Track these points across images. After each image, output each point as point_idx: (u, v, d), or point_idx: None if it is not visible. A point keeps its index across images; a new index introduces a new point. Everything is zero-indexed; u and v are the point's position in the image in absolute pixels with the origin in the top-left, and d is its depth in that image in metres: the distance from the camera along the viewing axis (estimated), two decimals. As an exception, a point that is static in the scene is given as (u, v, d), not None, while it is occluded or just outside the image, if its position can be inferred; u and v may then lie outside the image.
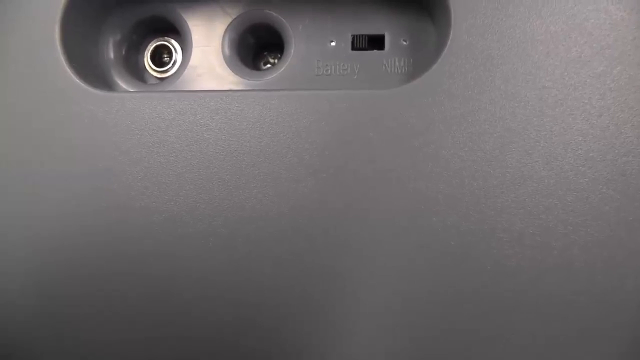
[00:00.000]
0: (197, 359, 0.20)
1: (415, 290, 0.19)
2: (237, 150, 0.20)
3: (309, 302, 0.19)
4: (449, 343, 0.19)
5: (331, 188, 0.19)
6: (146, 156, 0.20)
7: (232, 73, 0.23)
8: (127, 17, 0.24)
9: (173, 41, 0.24)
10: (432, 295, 0.19)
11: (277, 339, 0.19)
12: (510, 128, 0.18)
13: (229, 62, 0.23)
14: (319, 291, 0.19)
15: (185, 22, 0.23)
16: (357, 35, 0.22)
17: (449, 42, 0.19)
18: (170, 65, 0.24)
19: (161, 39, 0.24)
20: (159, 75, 0.24)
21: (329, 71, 0.22)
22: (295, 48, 0.22)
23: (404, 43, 0.22)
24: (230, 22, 0.23)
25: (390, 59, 0.22)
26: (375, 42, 0.22)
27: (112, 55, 0.24)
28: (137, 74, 0.24)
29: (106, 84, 0.23)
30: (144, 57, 0.24)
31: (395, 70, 0.22)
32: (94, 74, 0.22)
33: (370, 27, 0.22)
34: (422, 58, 0.22)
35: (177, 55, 0.24)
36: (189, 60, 0.23)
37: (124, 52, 0.24)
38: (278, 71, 0.22)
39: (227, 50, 0.23)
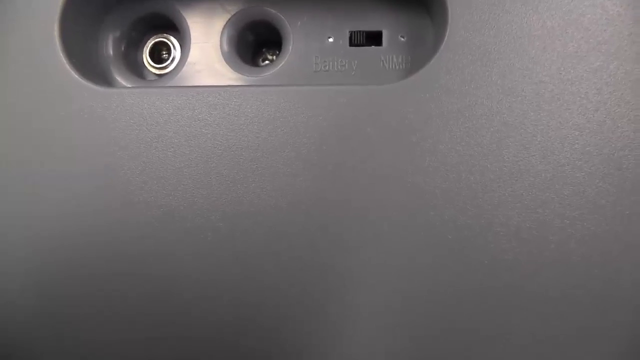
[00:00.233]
0: (197, 358, 0.20)
1: (413, 286, 0.19)
2: (236, 145, 0.20)
3: (306, 298, 0.19)
4: (445, 338, 0.19)
5: (329, 183, 0.19)
6: (145, 151, 0.20)
7: (231, 69, 0.23)
8: (127, 14, 0.24)
9: (172, 38, 0.24)
10: (429, 290, 0.19)
11: (276, 337, 0.19)
12: (507, 123, 0.19)
13: (227, 59, 0.23)
14: (316, 286, 0.19)
15: (184, 18, 0.23)
16: (355, 32, 0.22)
17: (446, 38, 0.19)
18: (169, 61, 0.24)
19: (160, 35, 0.24)
20: (157, 72, 0.24)
21: (327, 67, 0.22)
22: (293, 44, 0.22)
23: (402, 39, 0.22)
24: (229, 19, 0.23)
25: (388, 55, 0.22)
26: (373, 39, 0.22)
27: (111, 51, 0.24)
28: (136, 70, 0.24)
29: (105, 80, 0.23)
30: (142, 54, 0.24)
31: (393, 66, 0.22)
32: (93, 70, 0.22)
33: (368, 24, 0.22)
34: (420, 54, 0.22)
35: (176, 52, 0.24)
36: (187, 57, 0.23)
37: (123, 49, 0.24)
38: (276, 67, 0.22)
39: (225, 47, 0.23)
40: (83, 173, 0.20)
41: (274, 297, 0.19)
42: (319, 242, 0.19)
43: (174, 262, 0.19)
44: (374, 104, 0.19)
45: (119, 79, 0.24)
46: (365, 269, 0.19)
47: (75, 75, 0.21)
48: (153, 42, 0.24)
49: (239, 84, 0.23)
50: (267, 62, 0.25)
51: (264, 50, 0.25)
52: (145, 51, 0.24)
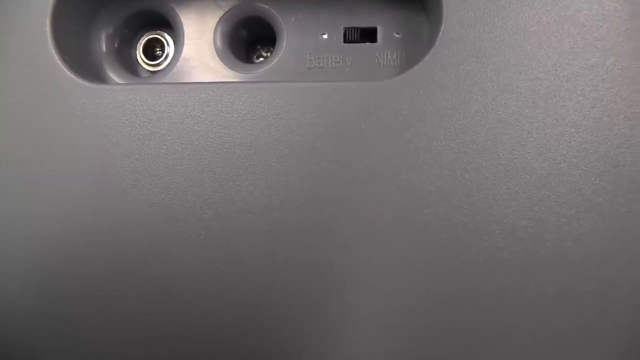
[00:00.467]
0: (197, 358, 0.20)
1: (407, 284, 0.19)
2: (228, 142, 0.19)
3: (301, 296, 0.19)
4: (442, 337, 0.18)
5: (323, 180, 0.19)
6: (137, 148, 0.20)
7: (225, 66, 0.23)
8: (119, 10, 0.24)
9: (165, 34, 0.24)
10: (423, 288, 0.18)
11: (275, 337, 0.19)
12: (502, 119, 0.18)
13: (221, 55, 0.23)
14: (310, 284, 0.19)
15: (178, 15, 0.23)
16: (349, 28, 0.22)
17: (440, 34, 0.19)
18: (162, 58, 0.24)
19: (153, 32, 0.24)
20: (151, 69, 0.24)
21: (322, 64, 0.22)
22: (287, 41, 0.22)
23: (397, 36, 0.22)
24: (222, 15, 0.23)
25: (382, 51, 0.22)
26: (368, 35, 0.22)
27: (104, 48, 0.24)
28: (130, 67, 0.24)
29: (98, 77, 0.23)
30: (136, 51, 0.24)
31: (388, 62, 0.22)
32: (86, 67, 0.22)
33: (363, 20, 0.22)
34: (415, 51, 0.22)
35: (170, 49, 0.24)
36: (181, 54, 0.23)
37: (116, 46, 0.24)
38: (270, 64, 0.22)
39: (219, 44, 0.23)
40: (76, 170, 0.20)
41: (270, 296, 0.19)
42: (312, 240, 0.19)
43: (168, 260, 0.19)
44: (369, 101, 0.19)
45: (112, 76, 0.23)
46: (359, 266, 0.19)
47: (67, 72, 0.21)
48: (146, 38, 0.24)
49: (233, 81, 0.22)
50: (261, 58, 0.25)
51: (258, 46, 0.25)
52: (139, 48, 0.24)
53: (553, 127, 0.18)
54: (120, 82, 0.23)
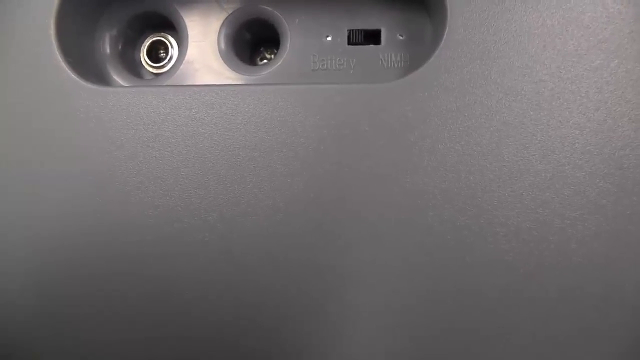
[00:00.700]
0: (197, 358, 0.20)
1: (411, 286, 0.19)
2: (233, 144, 0.19)
3: (305, 298, 0.19)
4: (445, 338, 0.18)
5: (327, 182, 0.19)
6: (142, 151, 0.20)
7: (228, 68, 0.23)
8: (123, 12, 0.24)
9: (169, 37, 0.24)
10: (427, 290, 0.18)
11: (276, 337, 0.19)
12: (507, 122, 0.18)
13: (225, 58, 0.23)
14: (315, 286, 0.19)
15: (182, 17, 0.23)
16: (353, 30, 0.22)
17: (444, 36, 0.19)
18: (166, 60, 0.24)
19: (157, 34, 0.24)
20: (155, 71, 0.24)
21: (325, 66, 0.22)
22: (291, 43, 0.22)
23: (400, 38, 0.22)
24: (226, 17, 0.23)
25: (386, 53, 0.22)
26: (372, 37, 0.22)
27: (108, 50, 0.24)
28: (134, 69, 0.24)
29: (102, 79, 0.23)
30: (140, 53, 0.24)
31: (392, 64, 0.22)
32: (90, 69, 0.22)
33: (367, 22, 0.22)
34: (419, 52, 0.22)
35: (173, 51, 0.24)
36: (185, 56, 0.23)
37: (120, 48, 0.24)
38: (274, 66, 0.22)
39: (223, 46, 0.23)
40: (80, 172, 0.20)
41: (273, 297, 0.19)
42: (316, 242, 0.19)
43: (172, 262, 0.19)
44: (373, 103, 0.19)
45: (116, 78, 0.23)
46: (364, 269, 0.19)
47: (71, 74, 0.21)
48: (150, 41, 0.24)
49: (237, 83, 0.23)
50: (265, 60, 0.25)
51: (261, 49, 0.25)
52: (143, 50, 0.24)
53: (557, 129, 0.18)
54: (124, 84, 0.23)
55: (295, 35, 0.22)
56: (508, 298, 0.18)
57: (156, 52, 0.24)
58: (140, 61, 0.24)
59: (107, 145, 0.20)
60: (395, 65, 0.22)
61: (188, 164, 0.20)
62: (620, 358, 0.18)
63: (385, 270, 0.19)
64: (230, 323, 0.19)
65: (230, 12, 0.23)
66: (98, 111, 0.20)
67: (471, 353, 0.18)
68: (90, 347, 0.20)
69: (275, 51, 0.24)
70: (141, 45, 0.24)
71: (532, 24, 0.19)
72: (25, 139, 0.20)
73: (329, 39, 0.22)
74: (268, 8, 0.23)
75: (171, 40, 0.24)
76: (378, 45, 0.22)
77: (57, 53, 0.21)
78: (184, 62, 0.23)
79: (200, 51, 0.23)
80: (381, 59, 0.22)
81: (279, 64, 0.22)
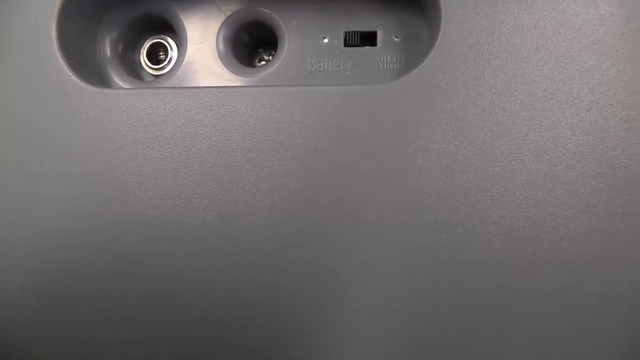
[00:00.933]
0: (197, 358, 0.20)
1: (406, 284, 0.19)
2: (231, 145, 0.20)
3: (303, 298, 0.19)
4: (441, 338, 0.19)
5: (324, 183, 0.19)
6: (141, 152, 0.20)
7: (227, 70, 0.23)
8: (124, 15, 0.24)
9: (169, 39, 0.24)
10: (422, 289, 0.19)
11: (276, 337, 0.19)
12: (500, 122, 0.19)
13: (223, 59, 0.23)
14: (312, 286, 0.19)
15: (181, 19, 0.23)
16: (349, 32, 0.22)
17: (439, 38, 0.19)
18: (166, 62, 0.24)
19: (157, 36, 0.24)
20: (155, 73, 0.24)
21: (322, 67, 0.22)
22: (288, 45, 0.23)
23: (396, 39, 0.22)
24: (225, 20, 0.23)
25: (382, 55, 0.22)
26: (368, 39, 0.22)
27: (108, 52, 0.24)
28: (134, 71, 0.24)
29: (103, 81, 0.23)
30: (140, 55, 0.25)
31: (388, 66, 0.22)
32: (90, 71, 0.23)
33: (363, 24, 0.22)
34: (414, 54, 0.22)
35: (173, 53, 0.24)
36: (184, 58, 0.23)
37: (120, 50, 0.24)
38: (272, 68, 0.22)
39: (221, 47, 0.23)
40: (80, 174, 0.20)
41: (272, 297, 0.19)
42: (313, 241, 0.19)
43: (171, 262, 0.20)
44: (369, 104, 0.19)
45: (117, 80, 0.24)
46: (359, 268, 0.19)
47: (72, 76, 0.21)
48: (150, 43, 0.24)
49: (235, 85, 0.23)
50: (263, 62, 0.25)
51: (260, 50, 0.25)
52: (143, 52, 0.25)
53: (550, 129, 0.18)
54: (124, 86, 0.24)
55: (293, 37, 0.23)
56: (501, 296, 0.18)
57: (156, 54, 0.25)
58: (141, 63, 0.25)
59: (108, 146, 0.20)
60: (391, 66, 0.22)
61: (187, 165, 0.20)
62: (613, 357, 0.18)
63: (380, 269, 0.19)
64: (230, 323, 0.19)
65: (228, 14, 0.23)
66: (98, 112, 0.20)
67: (467, 352, 0.18)
68: (90, 347, 0.20)
69: (273, 52, 0.24)
70: (141, 48, 0.25)
71: (525, 26, 0.19)
72: (26, 139, 0.21)
73: (325, 40, 0.23)
74: (266, 10, 0.23)
75: (171, 43, 0.24)
76: (374, 47, 0.22)
77: (59, 55, 0.21)
78: (183, 63, 0.23)
79: (200, 53, 0.23)
80: (377, 61, 0.22)
81: (276, 65, 0.22)
